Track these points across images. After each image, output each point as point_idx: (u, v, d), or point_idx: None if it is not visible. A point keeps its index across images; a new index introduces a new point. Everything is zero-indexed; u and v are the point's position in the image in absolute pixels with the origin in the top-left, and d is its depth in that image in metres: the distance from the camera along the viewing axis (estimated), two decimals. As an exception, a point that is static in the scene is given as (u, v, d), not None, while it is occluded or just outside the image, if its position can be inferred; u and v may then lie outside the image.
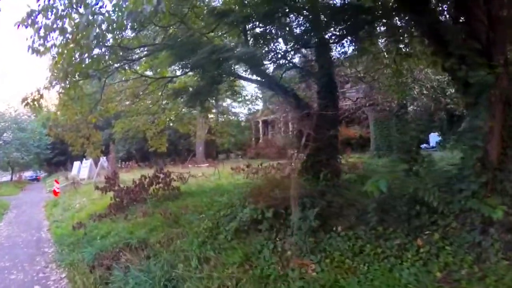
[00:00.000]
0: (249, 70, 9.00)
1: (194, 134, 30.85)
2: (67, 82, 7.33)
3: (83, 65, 6.70)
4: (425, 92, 21.02)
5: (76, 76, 7.40)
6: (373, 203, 5.21)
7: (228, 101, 32.17)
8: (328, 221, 5.54)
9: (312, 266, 4.88)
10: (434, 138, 22.87)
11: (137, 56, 8.72)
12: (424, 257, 4.36)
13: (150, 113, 14.11)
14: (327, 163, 8.07)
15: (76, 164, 24.59)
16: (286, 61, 8.85)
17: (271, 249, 5.46)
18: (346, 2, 7.55)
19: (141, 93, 12.15)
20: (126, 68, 9.00)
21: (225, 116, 32.81)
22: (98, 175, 20.01)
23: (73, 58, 6.21)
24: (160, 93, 12.14)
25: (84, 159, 21.73)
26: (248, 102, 33.89)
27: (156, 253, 6.46)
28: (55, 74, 7.36)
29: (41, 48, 5.73)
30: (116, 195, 10.69)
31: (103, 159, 19.11)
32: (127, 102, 12.47)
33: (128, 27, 6.67)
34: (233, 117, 36.07)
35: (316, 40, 7.95)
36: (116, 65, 8.06)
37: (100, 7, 5.67)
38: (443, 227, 4.66)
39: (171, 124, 17.45)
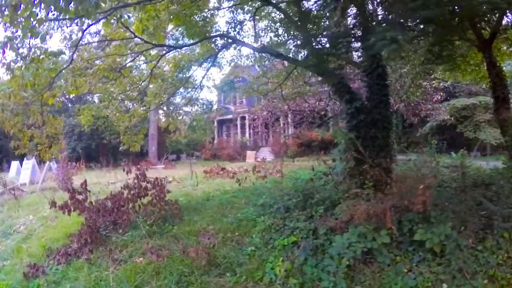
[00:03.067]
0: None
1: (147, 131, 27.63)
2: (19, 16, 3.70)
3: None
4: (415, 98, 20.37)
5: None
6: (500, 208, 4.83)
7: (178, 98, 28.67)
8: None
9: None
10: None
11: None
12: None
13: (128, 99, 10.41)
14: (385, 168, 6.45)
15: (15, 164, 19.35)
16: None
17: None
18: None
19: (121, 65, 8.44)
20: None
21: (174, 114, 29.46)
22: (44, 180, 15.45)
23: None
24: (151, 68, 8.56)
25: (25, 158, 16.88)
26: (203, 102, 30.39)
27: None
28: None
29: None
30: (89, 218, 6.97)
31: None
32: (100, 79, 8.62)
33: None
34: (184, 116, 32.66)
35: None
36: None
37: None
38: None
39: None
